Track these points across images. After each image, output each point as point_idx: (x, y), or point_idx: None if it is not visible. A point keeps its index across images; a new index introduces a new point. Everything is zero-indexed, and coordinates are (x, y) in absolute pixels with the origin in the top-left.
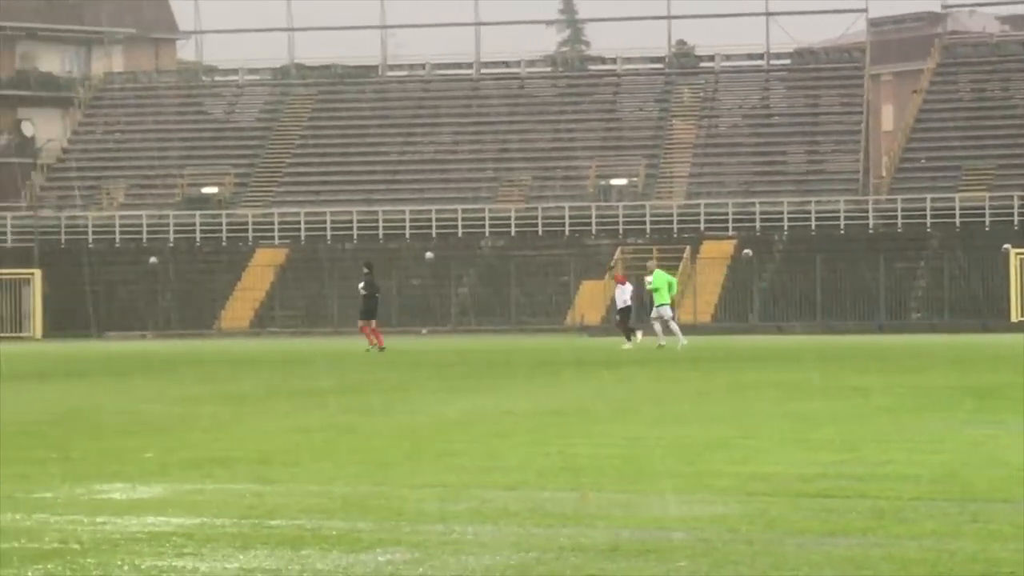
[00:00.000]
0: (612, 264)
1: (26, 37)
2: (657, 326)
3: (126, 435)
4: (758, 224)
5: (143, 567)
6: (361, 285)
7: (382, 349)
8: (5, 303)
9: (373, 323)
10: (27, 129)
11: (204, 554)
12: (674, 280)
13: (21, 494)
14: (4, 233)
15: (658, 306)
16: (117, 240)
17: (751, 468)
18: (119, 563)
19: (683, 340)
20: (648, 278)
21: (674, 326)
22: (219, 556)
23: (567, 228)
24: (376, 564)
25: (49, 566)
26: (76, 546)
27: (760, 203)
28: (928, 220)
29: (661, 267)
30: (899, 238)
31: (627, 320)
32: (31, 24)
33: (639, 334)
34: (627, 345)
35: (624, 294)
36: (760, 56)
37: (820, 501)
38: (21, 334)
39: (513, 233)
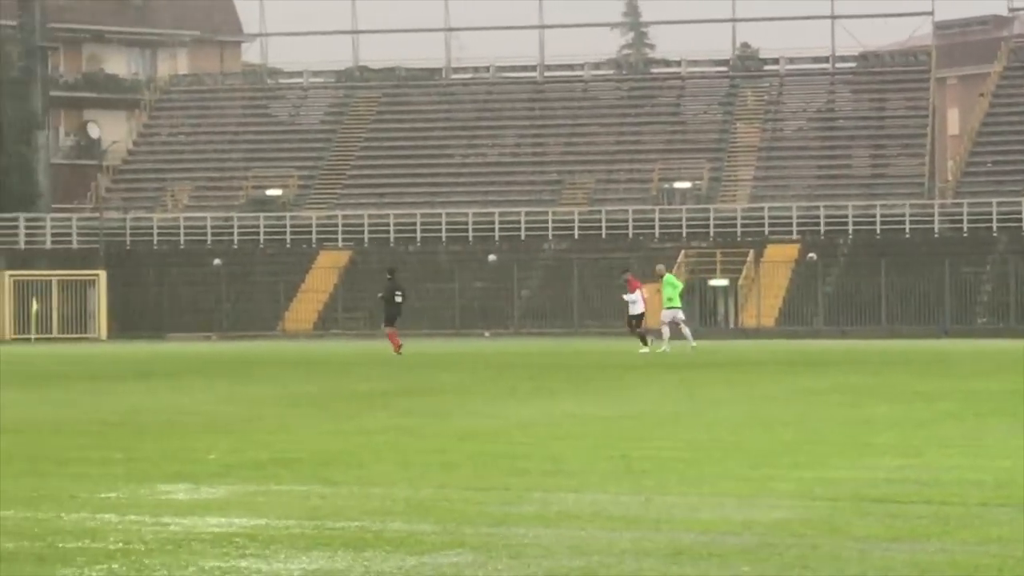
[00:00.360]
0: (626, 268)
1: (92, 39)
2: (665, 330)
3: (190, 436)
4: (822, 228)
5: (206, 568)
6: (380, 295)
7: (397, 353)
8: (70, 304)
9: (391, 329)
10: (93, 131)
11: (267, 555)
12: (682, 284)
13: (85, 494)
14: (70, 234)
15: (667, 309)
16: (182, 242)
17: (814, 473)
18: (183, 563)
19: (693, 342)
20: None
21: (685, 329)
22: (282, 557)
23: (630, 231)
24: (439, 567)
25: (113, 566)
26: (140, 546)
27: (825, 207)
28: (994, 224)
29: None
30: (965, 242)
31: (639, 325)
32: (98, 26)
33: (649, 343)
34: (644, 349)
35: (636, 299)
36: (825, 59)
37: (884, 506)
38: (86, 335)
39: (576, 236)
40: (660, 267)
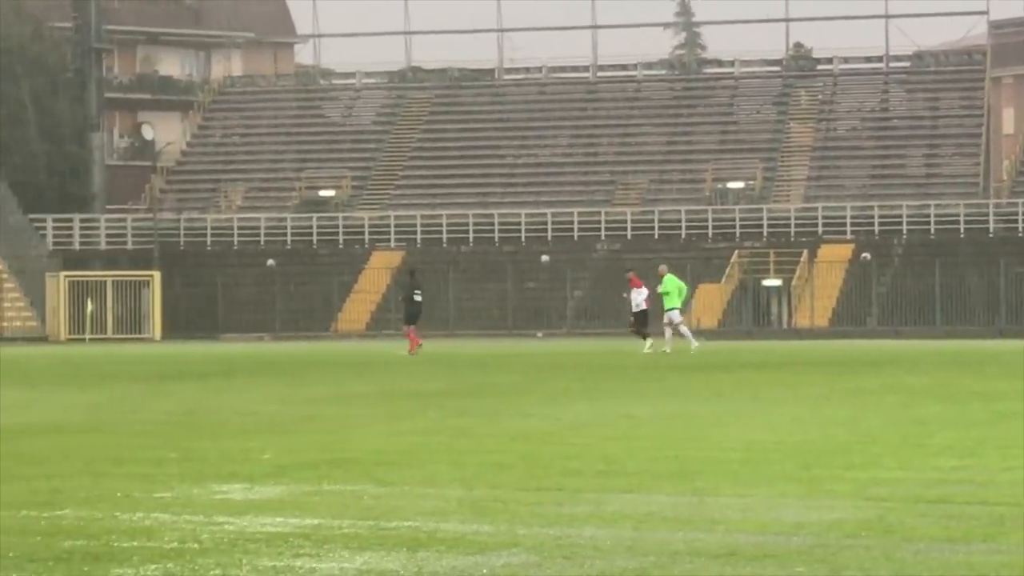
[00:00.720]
0: (630, 268)
1: (146, 41)
2: (667, 331)
3: (244, 436)
4: (876, 228)
5: (261, 567)
6: (401, 297)
7: (411, 353)
8: (125, 305)
9: (411, 328)
10: (147, 132)
11: (321, 555)
12: (684, 285)
13: (140, 494)
14: (124, 235)
15: (668, 310)
16: (235, 242)
17: (870, 473)
18: (237, 563)
19: (695, 343)
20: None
21: (684, 330)
22: (336, 557)
23: (683, 231)
24: (492, 567)
25: (168, 565)
26: (195, 546)
27: (879, 207)
28: None
29: (674, 272)
30: (1020, 242)
31: (643, 323)
32: (152, 28)
33: (650, 340)
34: (647, 348)
35: (639, 297)
36: (879, 59)
37: (939, 507)
38: (140, 335)
39: (629, 236)
40: (662, 267)
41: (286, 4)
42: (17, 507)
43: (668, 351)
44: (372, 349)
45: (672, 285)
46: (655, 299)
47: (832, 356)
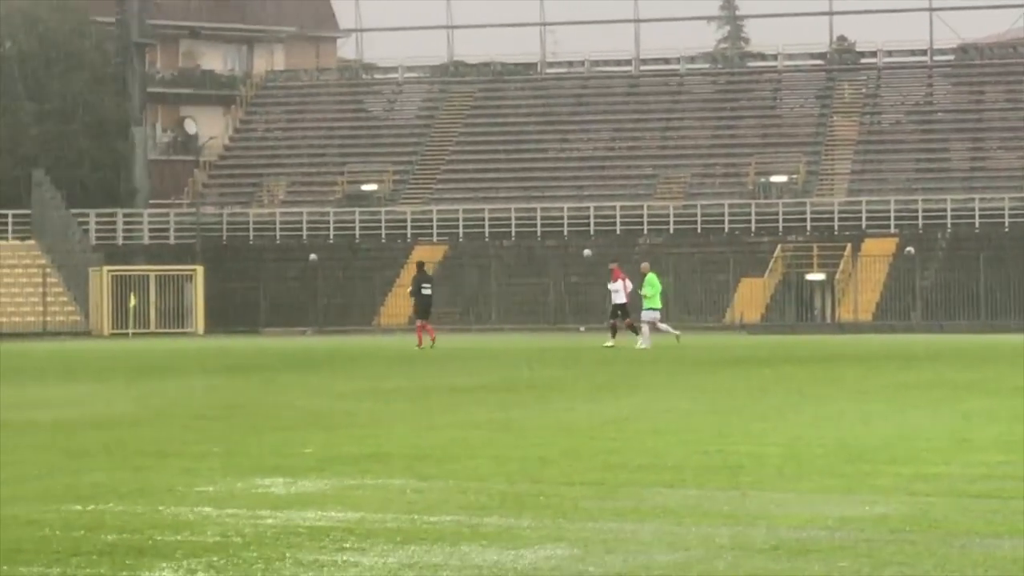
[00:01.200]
0: (614, 259)
1: (189, 36)
2: (645, 328)
3: (286, 430)
4: (920, 222)
5: (304, 561)
6: (410, 290)
7: (420, 347)
8: (168, 299)
9: (421, 322)
10: (190, 127)
11: (364, 549)
12: (659, 286)
13: (184, 487)
14: (167, 230)
15: (646, 309)
16: (277, 237)
17: (914, 468)
18: (280, 557)
19: (675, 331)
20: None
21: (664, 327)
22: (379, 551)
23: (726, 225)
24: (535, 561)
25: (211, 559)
26: (238, 539)
27: (923, 200)
28: None
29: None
30: None
31: (621, 317)
32: (194, 23)
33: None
34: (609, 343)
35: (619, 289)
36: (923, 52)
37: (984, 502)
38: (183, 330)
39: (672, 230)
40: (644, 265)
41: None
42: (60, 501)
43: (644, 347)
44: (414, 343)
45: (652, 285)
46: (634, 294)
47: (876, 350)
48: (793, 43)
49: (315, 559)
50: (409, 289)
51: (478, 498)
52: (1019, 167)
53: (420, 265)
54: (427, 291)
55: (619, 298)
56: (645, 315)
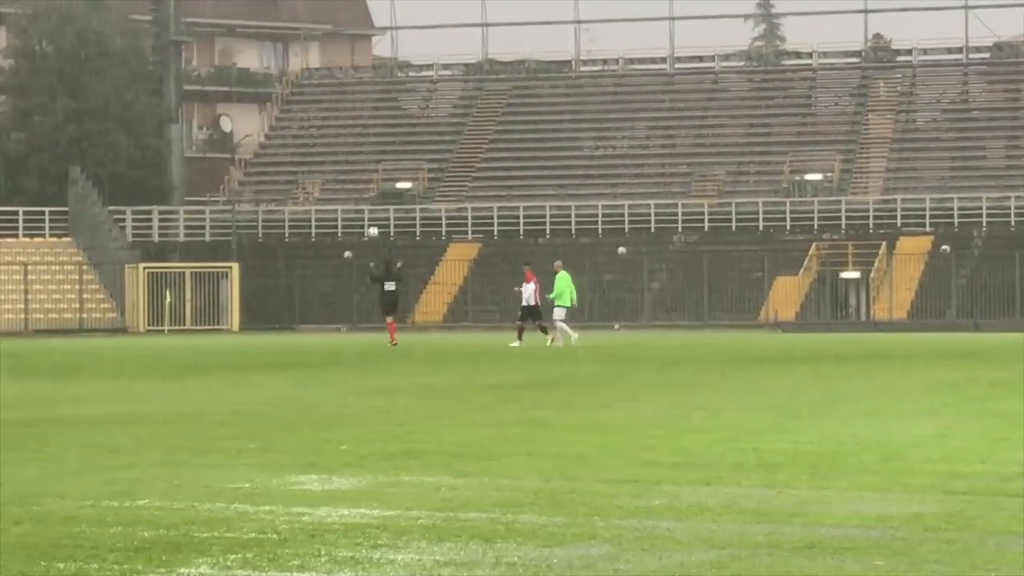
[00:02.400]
0: (527, 261)
1: (225, 34)
2: (562, 326)
3: (322, 427)
4: (956, 220)
5: (339, 557)
6: (370, 277)
7: (394, 344)
8: (203, 296)
9: (390, 319)
10: (225, 124)
11: (399, 546)
12: (572, 286)
13: (220, 484)
14: (202, 227)
15: (556, 307)
16: (313, 234)
17: (949, 467)
18: (316, 553)
19: (574, 335)
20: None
21: (563, 326)
22: (414, 548)
23: (761, 223)
24: (570, 558)
25: (247, 555)
26: (273, 536)
27: (958, 199)
28: None
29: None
30: None
31: (531, 319)
32: (230, 21)
33: (554, 332)
34: (515, 344)
35: (528, 292)
36: (959, 50)
37: (1020, 501)
38: (218, 327)
39: (706, 228)
40: (557, 263)
41: None
42: (97, 497)
43: (557, 344)
44: (449, 340)
45: (563, 284)
46: (545, 293)
47: (911, 349)
48: (828, 41)
49: (350, 556)
50: (369, 277)
51: (513, 495)
52: None
53: (387, 261)
54: (390, 287)
55: (528, 300)
56: (556, 313)
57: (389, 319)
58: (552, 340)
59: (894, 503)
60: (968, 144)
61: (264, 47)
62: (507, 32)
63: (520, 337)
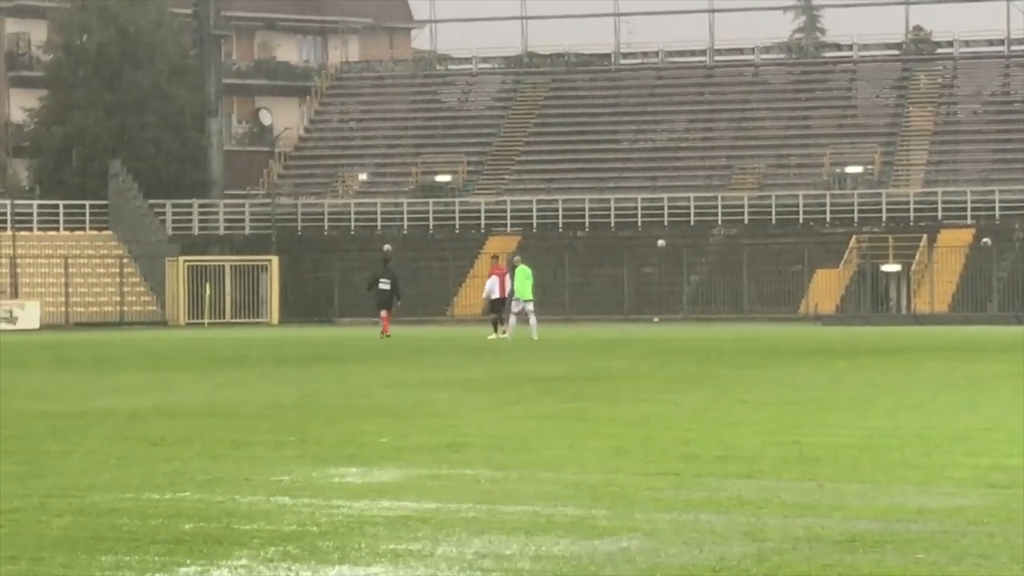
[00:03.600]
0: (495, 255)
1: (265, 27)
2: (513, 319)
3: (361, 419)
4: (997, 212)
5: (379, 550)
6: (367, 286)
7: (387, 335)
8: (243, 289)
9: (384, 312)
10: (265, 118)
11: (439, 538)
12: (531, 280)
13: (260, 477)
14: (242, 220)
15: (517, 299)
16: (352, 227)
17: (991, 460)
18: (356, 546)
19: (536, 336)
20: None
21: (532, 320)
22: (454, 541)
23: (801, 216)
24: (610, 551)
25: (288, 548)
26: (314, 528)
27: (999, 191)
28: None
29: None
30: None
31: (498, 310)
32: (269, 14)
33: (506, 328)
34: (492, 336)
35: (493, 286)
36: (1000, 42)
37: None
38: (258, 320)
39: (746, 221)
40: (516, 258)
41: None
42: (138, 489)
43: (509, 338)
44: (488, 333)
45: (523, 276)
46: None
47: (952, 342)
48: (869, 33)
49: (390, 548)
50: (367, 285)
51: (553, 488)
52: None
53: (384, 260)
54: (384, 286)
55: (495, 293)
56: (514, 305)
57: (383, 313)
58: (501, 333)
59: (935, 496)
60: (1009, 136)
61: (304, 40)
62: (547, 25)
63: (496, 329)
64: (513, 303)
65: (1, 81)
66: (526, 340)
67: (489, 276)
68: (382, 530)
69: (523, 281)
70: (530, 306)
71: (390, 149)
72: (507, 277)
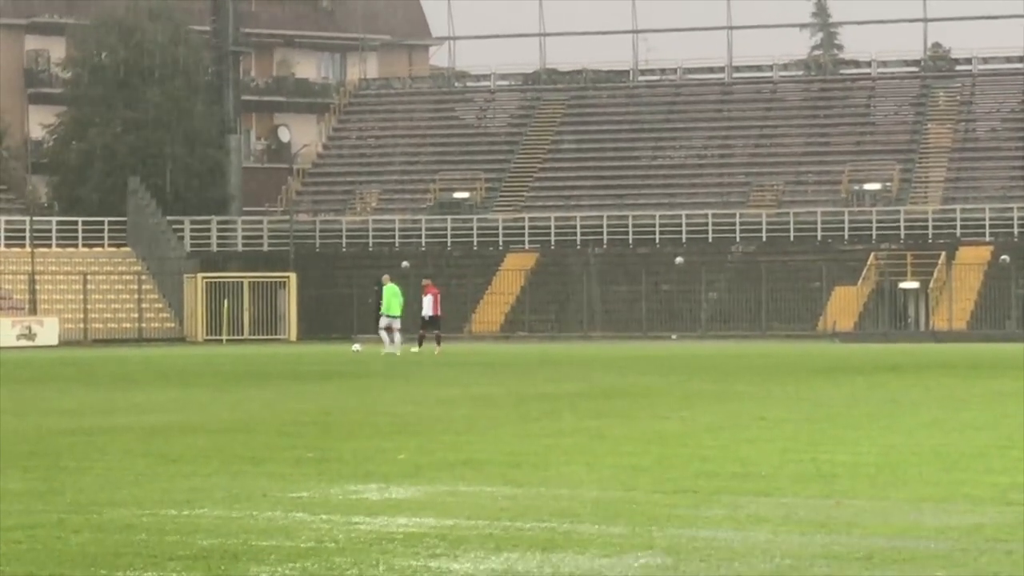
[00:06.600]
0: (426, 276)
1: (283, 44)
2: (383, 335)
3: (380, 436)
4: (1016, 230)
5: (397, 567)
6: (370, 300)
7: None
8: (261, 306)
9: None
10: (283, 135)
11: (457, 555)
12: (401, 297)
13: (278, 493)
14: (260, 237)
15: (384, 314)
16: (370, 244)
17: (1010, 478)
18: (373, 562)
19: (399, 351)
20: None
21: (397, 337)
22: (471, 557)
23: (819, 233)
24: (628, 568)
25: (305, 564)
26: (331, 545)
27: (1018, 208)
28: None
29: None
30: None
31: (431, 327)
32: (288, 31)
33: (414, 348)
34: (414, 348)
35: (427, 303)
36: (1019, 59)
37: None
38: (276, 336)
39: (764, 238)
40: (385, 277)
41: (421, 6)
42: (156, 506)
43: (393, 352)
44: (506, 350)
45: (391, 294)
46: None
47: (971, 359)
48: (887, 50)
49: (408, 565)
50: (372, 302)
51: (571, 505)
52: None
53: (383, 282)
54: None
55: (427, 311)
56: (382, 322)
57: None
58: (392, 350)
59: (954, 514)
60: None
61: (322, 57)
62: (565, 42)
63: (420, 344)
64: (382, 319)
65: (20, 98)
66: (428, 354)
67: (424, 294)
68: (400, 547)
69: (391, 299)
70: (397, 323)
71: (408, 166)
72: (438, 296)
